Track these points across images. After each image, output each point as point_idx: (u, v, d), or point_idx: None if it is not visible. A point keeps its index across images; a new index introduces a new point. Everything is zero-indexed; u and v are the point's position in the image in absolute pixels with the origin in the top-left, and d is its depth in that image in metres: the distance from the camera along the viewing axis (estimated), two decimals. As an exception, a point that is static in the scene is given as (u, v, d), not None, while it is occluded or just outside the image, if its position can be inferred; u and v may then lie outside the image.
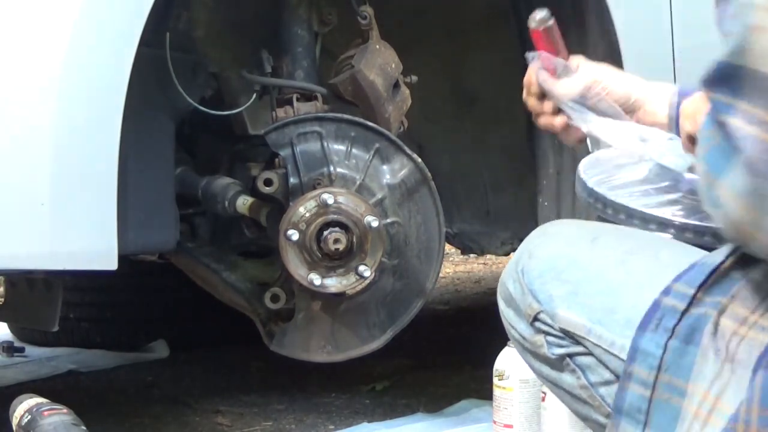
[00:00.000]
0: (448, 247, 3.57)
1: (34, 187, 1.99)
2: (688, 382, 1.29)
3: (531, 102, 1.67)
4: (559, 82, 1.63)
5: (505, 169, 3.08)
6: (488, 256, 5.17)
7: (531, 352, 1.49)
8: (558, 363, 1.45)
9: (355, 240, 2.35)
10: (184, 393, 2.99)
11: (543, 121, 1.66)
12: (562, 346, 1.44)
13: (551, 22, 1.65)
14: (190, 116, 2.47)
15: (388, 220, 2.44)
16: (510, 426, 2.29)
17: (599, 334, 1.40)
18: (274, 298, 2.47)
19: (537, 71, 1.64)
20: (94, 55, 2.03)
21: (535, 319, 1.45)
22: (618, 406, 1.34)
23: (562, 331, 1.43)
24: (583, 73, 1.64)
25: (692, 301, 1.30)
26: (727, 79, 1.15)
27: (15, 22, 2.00)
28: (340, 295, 2.43)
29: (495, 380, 2.30)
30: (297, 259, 2.35)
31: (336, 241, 2.33)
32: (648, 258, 1.41)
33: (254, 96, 2.49)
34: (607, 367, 1.41)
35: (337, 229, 2.34)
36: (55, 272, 2.16)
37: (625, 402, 1.33)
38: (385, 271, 2.45)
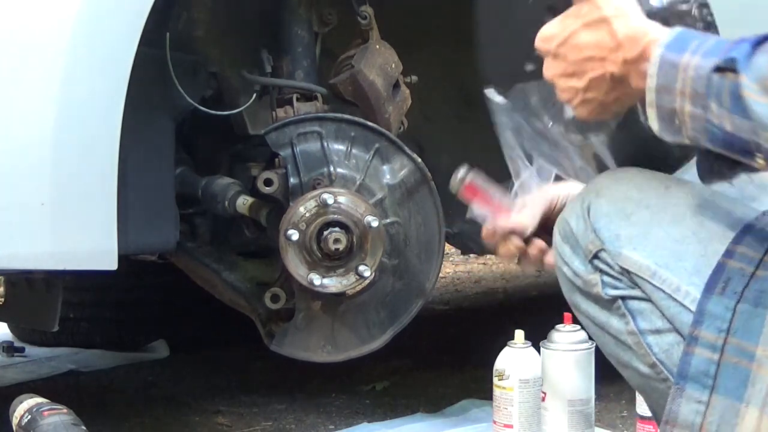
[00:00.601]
0: (448, 247, 3.57)
1: (34, 187, 1.98)
2: (758, 346, 1.28)
3: (504, 250, 1.65)
4: (518, 215, 1.65)
5: (505, 169, 3.07)
6: (488, 256, 5.16)
7: (581, 291, 1.47)
8: (609, 304, 1.45)
9: (355, 240, 2.35)
10: (184, 393, 2.99)
11: (532, 254, 1.64)
12: (617, 288, 1.44)
13: (471, 173, 1.71)
14: (190, 116, 2.47)
15: (388, 220, 2.44)
16: (510, 426, 2.29)
17: (664, 277, 1.39)
18: (274, 298, 2.47)
19: (490, 221, 1.65)
20: (94, 55, 2.03)
21: (595, 256, 1.44)
22: (683, 371, 1.33)
23: (622, 271, 1.42)
24: (536, 195, 1.66)
25: (759, 264, 1.30)
26: None
27: (15, 22, 2.00)
28: (340, 295, 2.43)
29: (495, 380, 2.30)
30: (297, 259, 2.35)
31: (336, 241, 2.33)
32: (722, 214, 1.40)
33: (254, 96, 2.48)
34: (663, 314, 1.40)
35: (337, 229, 2.34)
36: (55, 272, 2.15)
37: (691, 366, 1.32)
38: (385, 271, 2.45)
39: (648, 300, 1.42)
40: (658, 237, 1.41)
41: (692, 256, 1.38)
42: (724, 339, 1.30)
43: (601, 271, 1.45)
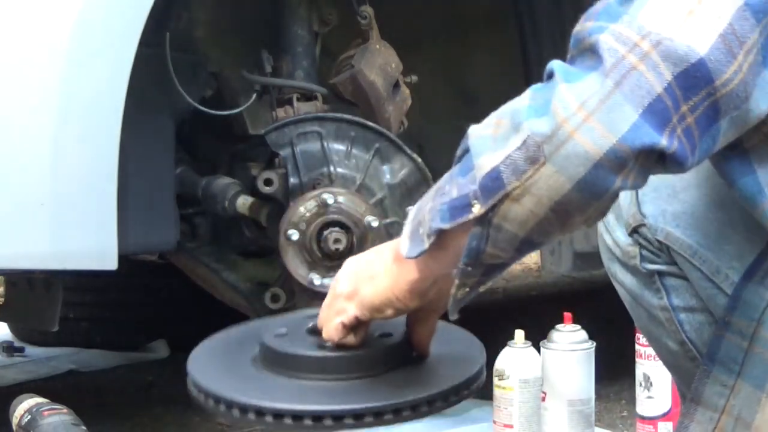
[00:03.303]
0: (448, 247, 3.56)
1: (34, 187, 1.98)
2: None
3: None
4: None
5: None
6: (488, 256, 5.15)
7: (619, 261, 1.47)
8: (645, 278, 1.45)
9: (355, 240, 2.35)
10: (184, 393, 2.98)
11: None
12: (655, 263, 1.43)
13: None
14: (190, 116, 2.47)
15: (388, 220, 2.44)
16: (510, 426, 2.29)
17: (705, 258, 1.39)
18: (274, 298, 2.47)
19: None
20: (94, 55, 2.03)
21: (635, 230, 1.44)
22: (711, 354, 1.32)
23: (661, 246, 1.42)
24: None
25: None
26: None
27: (15, 22, 2.00)
28: (340, 295, 2.43)
29: (495, 380, 2.30)
30: (297, 258, 2.35)
31: (336, 241, 2.33)
32: None
33: (254, 96, 2.48)
34: (697, 294, 1.40)
35: (337, 228, 2.34)
36: (55, 272, 2.16)
37: (720, 350, 1.31)
38: (385, 271, 2.45)
39: (684, 278, 1.42)
40: (704, 217, 1.40)
41: (738, 241, 1.37)
42: (755, 328, 1.29)
43: (641, 245, 1.44)
